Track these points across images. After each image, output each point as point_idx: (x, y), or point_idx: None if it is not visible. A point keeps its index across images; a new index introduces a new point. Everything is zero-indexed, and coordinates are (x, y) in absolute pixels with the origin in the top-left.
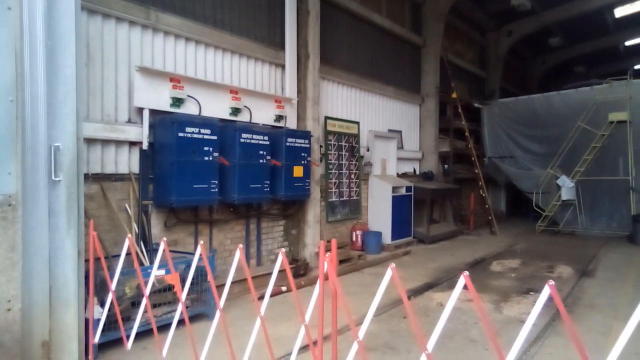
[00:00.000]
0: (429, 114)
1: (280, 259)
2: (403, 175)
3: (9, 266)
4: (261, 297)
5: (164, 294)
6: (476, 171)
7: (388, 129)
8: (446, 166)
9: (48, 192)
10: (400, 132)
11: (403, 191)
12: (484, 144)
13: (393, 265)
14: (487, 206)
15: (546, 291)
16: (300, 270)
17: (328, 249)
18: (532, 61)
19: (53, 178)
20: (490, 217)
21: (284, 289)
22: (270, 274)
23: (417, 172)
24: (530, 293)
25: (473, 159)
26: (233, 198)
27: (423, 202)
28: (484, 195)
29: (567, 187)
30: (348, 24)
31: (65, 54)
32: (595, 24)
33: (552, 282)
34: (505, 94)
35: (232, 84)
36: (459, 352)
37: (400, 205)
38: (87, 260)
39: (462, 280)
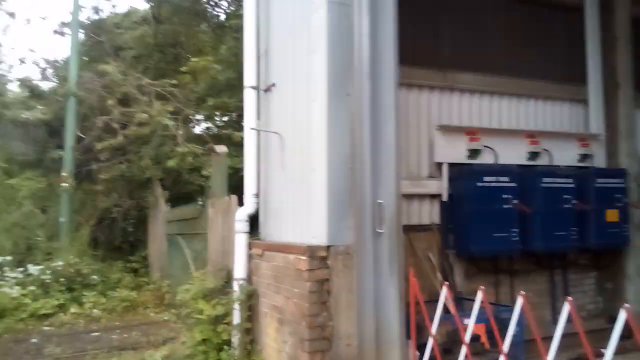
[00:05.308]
0: None
1: (624, 317)
2: None
3: (348, 306)
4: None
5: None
6: None
7: None
8: None
9: (373, 242)
10: None
11: None
12: None
13: None
14: None
15: None
16: (624, 331)
17: None
18: None
19: (377, 230)
20: None
21: (603, 351)
22: (578, 333)
23: None
24: None
25: None
26: (535, 247)
27: None
28: None
29: None
30: None
31: (386, 124)
32: None
33: None
34: None
35: (527, 127)
36: None
37: None
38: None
39: None
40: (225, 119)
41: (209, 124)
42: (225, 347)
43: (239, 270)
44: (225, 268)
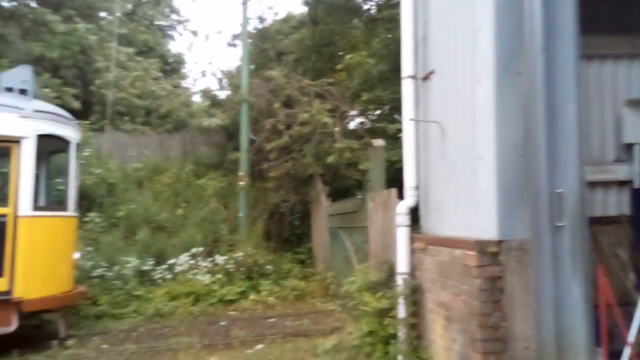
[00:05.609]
0: None
1: None
2: None
3: (523, 306)
4: None
5: None
6: None
7: None
8: None
9: (551, 237)
10: None
11: None
12: None
13: None
14: None
15: None
16: None
17: None
18: None
19: (556, 223)
20: None
21: None
22: None
23: None
24: None
25: None
26: None
27: None
28: None
29: None
30: None
31: (565, 103)
32: None
33: None
34: None
35: None
36: None
37: None
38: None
39: None
40: (378, 112)
41: (363, 119)
42: (392, 340)
43: (402, 265)
44: (387, 261)
